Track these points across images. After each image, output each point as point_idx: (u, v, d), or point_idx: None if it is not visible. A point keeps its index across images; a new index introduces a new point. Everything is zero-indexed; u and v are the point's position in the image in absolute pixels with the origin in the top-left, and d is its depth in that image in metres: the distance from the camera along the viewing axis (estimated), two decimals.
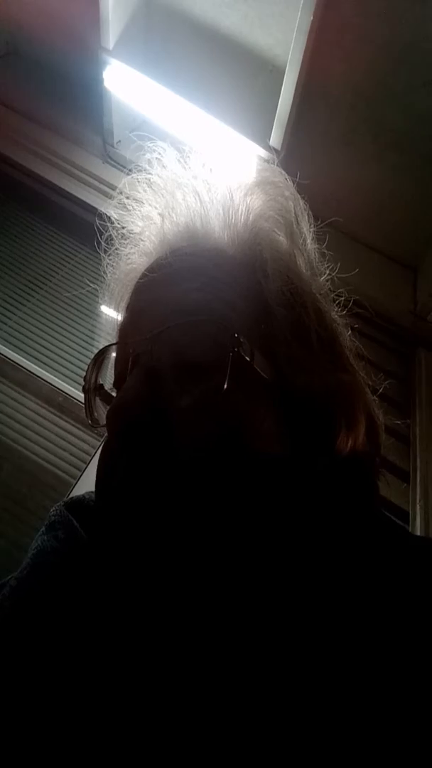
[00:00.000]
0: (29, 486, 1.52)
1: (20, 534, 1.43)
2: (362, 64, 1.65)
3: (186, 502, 0.32)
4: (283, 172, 0.47)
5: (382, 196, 1.93)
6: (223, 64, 1.96)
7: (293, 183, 0.47)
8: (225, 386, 0.34)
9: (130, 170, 0.48)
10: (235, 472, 0.33)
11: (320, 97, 1.75)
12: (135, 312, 0.43)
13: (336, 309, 0.46)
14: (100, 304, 0.52)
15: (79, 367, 1.79)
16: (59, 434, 1.62)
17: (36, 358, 1.76)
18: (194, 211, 0.45)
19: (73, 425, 1.63)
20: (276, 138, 1.75)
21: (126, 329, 0.43)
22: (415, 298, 2.01)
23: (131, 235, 0.48)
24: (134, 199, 0.48)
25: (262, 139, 1.74)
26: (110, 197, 0.50)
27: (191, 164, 0.47)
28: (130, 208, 0.48)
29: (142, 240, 0.47)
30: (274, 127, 1.74)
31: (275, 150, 1.75)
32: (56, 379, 1.68)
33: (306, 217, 0.46)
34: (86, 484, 1.43)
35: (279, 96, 1.69)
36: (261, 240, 0.44)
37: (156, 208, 0.46)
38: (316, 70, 1.63)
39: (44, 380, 1.66)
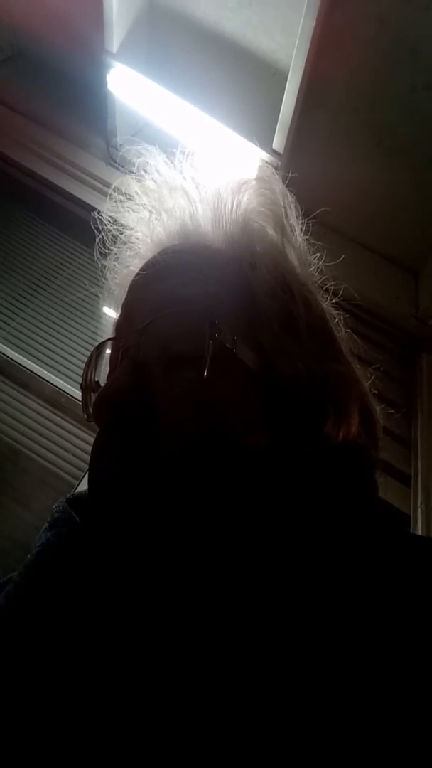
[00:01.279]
0: (32, 487, 1.52)
1: (23, 535, 1.43)
2: (364, 67, 1.65)
3: (171, 495, 0.33)
4: (271, 167, 0.48)
5: (384, 199, 1.93)
6: (226, 68, 1.97)
7: (287, 178, 0.48)
8: (205, 374, 0.34)
9: (132, 172, 0.49)
10: (215, 463, 0.34)
11: (323, 101, 1.75)
12: (127, 308, 0.44)
13: (328, 300, 0.46)
14: (103, 306, 0.53)
15: (82, 369, 1.79)
16: (62, 435, 1.62)
17: (39, 360, 1.77)
18: (185, 210, 0.46)
19: (75, 426, 1.63)
20: (279, 141, 1.75)
21: (120, 325, 0.44)
22: (417, 302, 2.01)
23: (129, 240, 0.50)
24: (129, 204, 0.49)
25: (265, 142, 1.74)
26: (112, 199, 0.51)
27: (181, 166, 0.48)
28: (127, 212, 0.49)
29: (138, 245, 0.49)
30: (276, 131, 1.74)
31: (278, 153, 1.75)
32: (59, 381, 1.68)
33: (295, 210, 0.47)
34: None
35: (282, 100, 1.69)
36: (249, 233, 0.45)
37: (151, 212, 0.47)
38: (318, 73, 1.64)
39: (47, 381, 1.67)
